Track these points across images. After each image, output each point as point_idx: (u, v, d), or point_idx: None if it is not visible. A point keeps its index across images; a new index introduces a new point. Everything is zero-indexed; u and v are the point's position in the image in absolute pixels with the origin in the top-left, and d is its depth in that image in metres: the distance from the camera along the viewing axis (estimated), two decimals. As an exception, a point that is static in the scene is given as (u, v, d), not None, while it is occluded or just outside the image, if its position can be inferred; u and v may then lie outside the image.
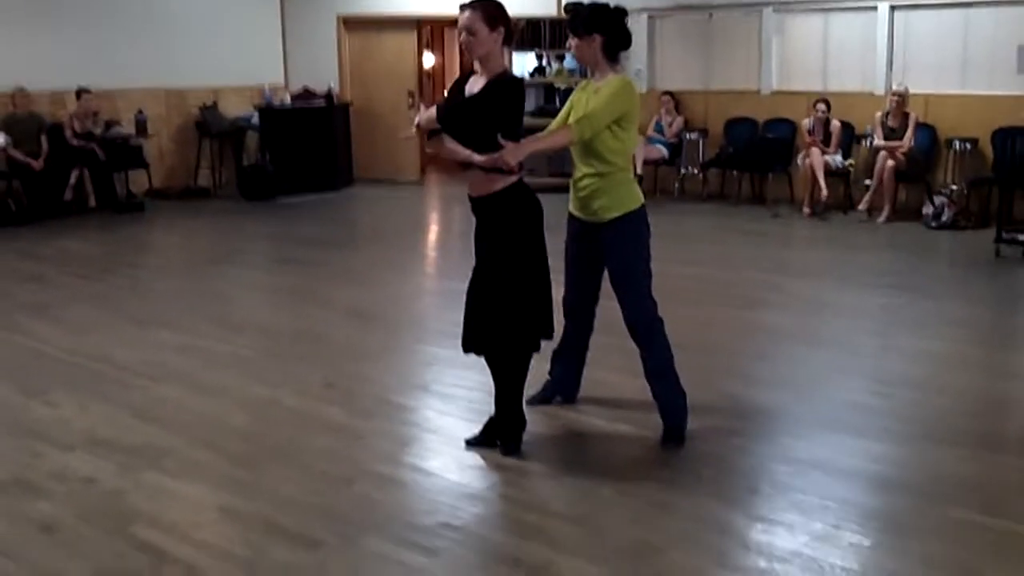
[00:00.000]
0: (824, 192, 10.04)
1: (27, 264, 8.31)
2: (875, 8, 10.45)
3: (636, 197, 4.23)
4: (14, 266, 8.22)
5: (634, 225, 4.20)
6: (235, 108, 12.79)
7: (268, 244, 9.73)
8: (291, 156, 12.17)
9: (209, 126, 12.41)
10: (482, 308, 3.99)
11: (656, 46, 12.13)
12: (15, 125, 10.31)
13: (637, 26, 11.68)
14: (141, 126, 11.45)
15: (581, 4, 4.26)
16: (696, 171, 11.56)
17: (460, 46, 4.01)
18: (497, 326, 3.96)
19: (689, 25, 11.93)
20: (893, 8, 10.36)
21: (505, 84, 3.84)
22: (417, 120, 3.97)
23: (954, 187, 9.75)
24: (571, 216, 4.36)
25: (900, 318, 6.35)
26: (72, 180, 10.60)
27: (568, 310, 4.50)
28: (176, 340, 5.93)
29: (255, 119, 12.53)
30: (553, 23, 11.91)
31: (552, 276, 4.10)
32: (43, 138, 10.49)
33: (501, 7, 3.86)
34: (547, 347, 4.38)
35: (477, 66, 3.94)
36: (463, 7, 3.84)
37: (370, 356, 5.62)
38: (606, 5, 4.26)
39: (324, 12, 13.41)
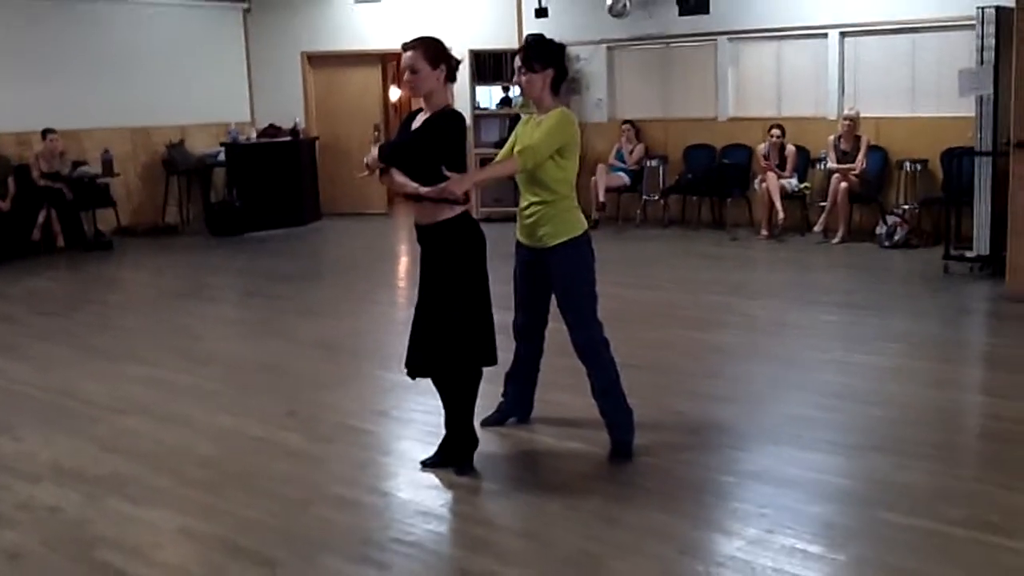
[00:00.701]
0: (781, 215, 10.29)
1: (-5, 304, 8.41)
2: (825, 35, 10.75)
3: (579, 224, 4.40)
4: (-18, 306, 8.31)
5: (578, 250, 4.38)
6: (202, 145, 12.93)
7: (235, 279, 9.85)
8: (258, 192, 12.30)
9: (176, 164, 12.56)
10: (430, 333, 4.14)
11: (615, 76, 12.40)
12: (-19, 168, 10.42)
13: (596, 58, 12.00)
14: (107, 165, 11.54)
15: (535, 37, 4.46)
16: (657, 197, 11.79)
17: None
18: (445, 350, 4.12)
19: (647, 55, 12.20)
20: (843, 35, 10.67)
21: (445, 118, 4.03)
22: (366, 159, 4.14)
23: (906, 207, 10.01)
24: (518, 243, 4.53)
25: (849, 334, 6.55)
26: (40, 220, 10.72)
27: (519, 333, 4.65)
28: (143, 373, 6.05)
29: (221, 156, 12.67)
30: (515, 56, 12.08)
31: (501, 302, 4.26)
32: (10, 179, 10.59)
33: (442, 45, 4.06)
34: (500, 370, 4.54)
35: (423, 103, 4.12)
36: (405, 47, 4.05)
37: (332, 384, 5.76)
38: (552, 40, 4.49)
39: (288, 49, 13.61)
